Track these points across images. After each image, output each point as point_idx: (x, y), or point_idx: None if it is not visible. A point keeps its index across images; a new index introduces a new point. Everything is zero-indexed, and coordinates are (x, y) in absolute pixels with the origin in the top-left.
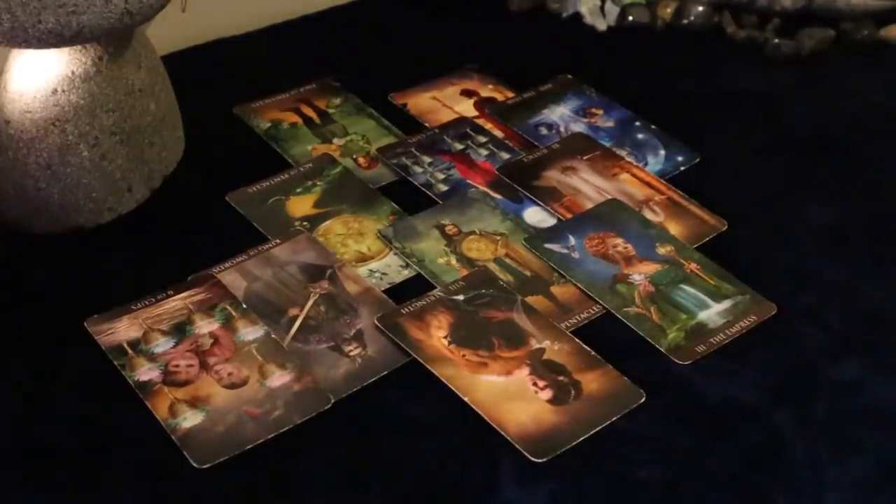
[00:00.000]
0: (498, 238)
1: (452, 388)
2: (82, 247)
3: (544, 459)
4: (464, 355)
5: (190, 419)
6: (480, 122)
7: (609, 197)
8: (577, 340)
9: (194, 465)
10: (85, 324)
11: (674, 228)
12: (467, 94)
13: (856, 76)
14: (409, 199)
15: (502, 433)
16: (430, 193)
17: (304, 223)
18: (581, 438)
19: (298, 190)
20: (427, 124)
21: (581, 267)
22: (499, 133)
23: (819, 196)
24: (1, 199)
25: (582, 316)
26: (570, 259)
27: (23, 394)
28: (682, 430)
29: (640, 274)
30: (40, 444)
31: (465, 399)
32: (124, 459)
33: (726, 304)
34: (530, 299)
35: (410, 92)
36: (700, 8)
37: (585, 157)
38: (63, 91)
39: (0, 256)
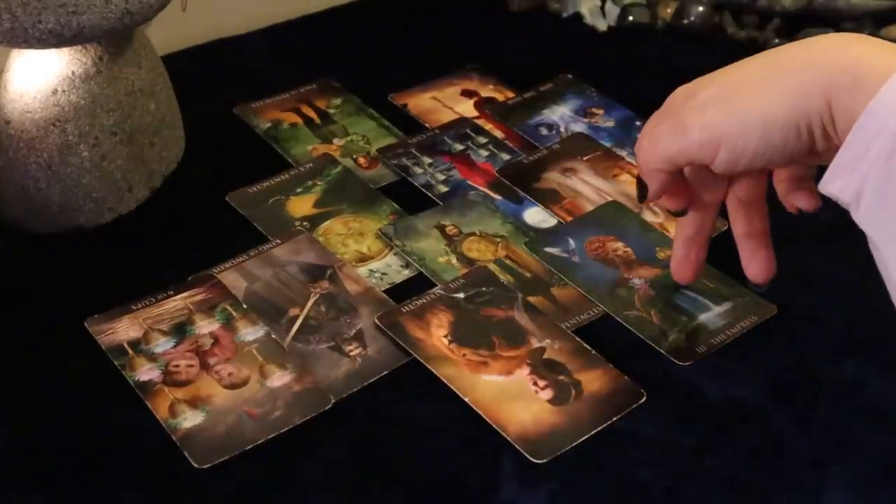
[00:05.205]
0: (498, 240)
1: (453, 387)
2: (82, 247)
3: (544, 460)
4: (464, 354)
5: (190, 419)
6: (480, 122)
7: (609, 199)
8: (577, 339)
9: (194, 465)
10: (85, 324)
11: (674, 229)
12: (467, 94)
13: None
14: (409, 200)
15: (502, 433)
16: (430, 194)
17: (305, 223)
18: (581, 438)
19: (298, 190)
20: (427, 125)
21: (581, 271)
22: (499, 133)
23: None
24: (1, 199)
25: (582, 317)
26: (571, 263)
27: (23, 394)
28: (683, 430)
29: (640, 278)
30: (40, 444)
31: (466, 399)
32: (124, 459)
33: (726, 305)
34: (530, 300)
35: (410, 92)
36: (700, 8)
37: (586, 158)
38: (63, 91)
39: (0, 256)
